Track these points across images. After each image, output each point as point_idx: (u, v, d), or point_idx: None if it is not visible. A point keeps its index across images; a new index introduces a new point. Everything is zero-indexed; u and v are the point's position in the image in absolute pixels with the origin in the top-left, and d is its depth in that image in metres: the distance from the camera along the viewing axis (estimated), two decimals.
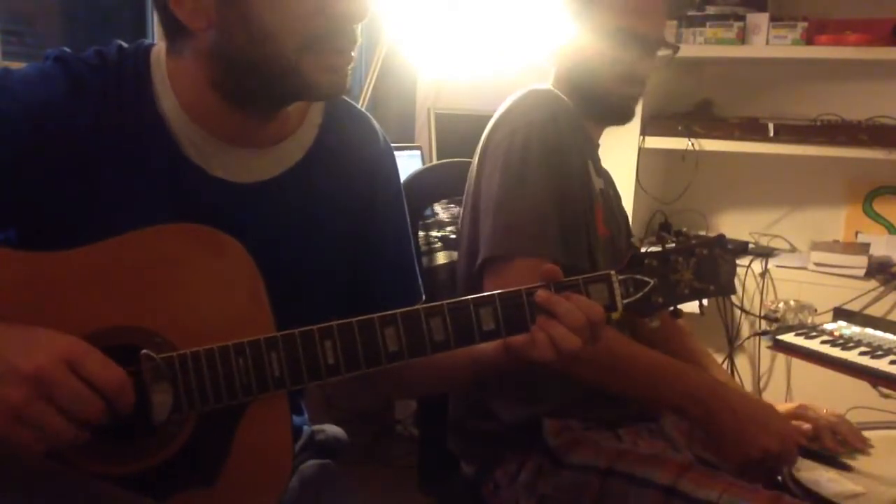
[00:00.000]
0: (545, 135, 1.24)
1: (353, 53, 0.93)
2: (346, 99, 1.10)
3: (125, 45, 0.98)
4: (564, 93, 1.37)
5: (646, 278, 0.97)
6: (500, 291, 0.94)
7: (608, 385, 1.25)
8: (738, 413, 1.15)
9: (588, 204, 1.31)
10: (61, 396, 0.79)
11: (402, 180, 1.17)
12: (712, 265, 1.00)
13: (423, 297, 1.15)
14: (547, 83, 1.41)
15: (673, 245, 1.01)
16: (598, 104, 1.36)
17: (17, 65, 0.99)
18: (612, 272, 0.97)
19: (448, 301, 0.93)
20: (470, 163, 1.60)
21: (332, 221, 1.05)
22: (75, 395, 0.80)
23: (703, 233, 2.84)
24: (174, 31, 0.93)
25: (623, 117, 1.39)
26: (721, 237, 1.02)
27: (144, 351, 0.86)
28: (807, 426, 1.32)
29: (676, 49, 1.39)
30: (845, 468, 1.21)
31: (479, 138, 1.35)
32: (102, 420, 0.82)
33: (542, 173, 1.22)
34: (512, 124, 1.27)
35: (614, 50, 1.31)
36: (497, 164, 1.26)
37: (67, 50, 0.95)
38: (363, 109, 1.14)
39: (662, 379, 1.20)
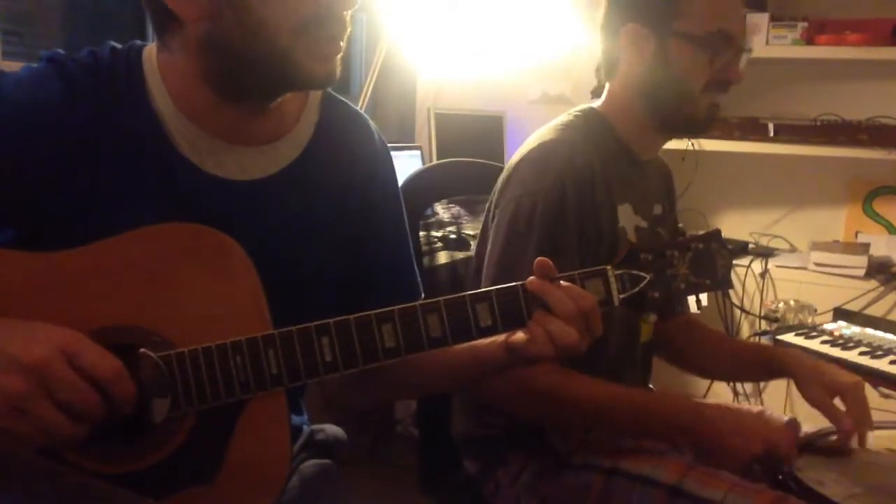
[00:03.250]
0: (549, 205, 1.20)
1: (342, 43, 0.94)
2: (343, 99, 1.10)
3: (118, 45, 0.98)
4: (623, 106, 1.32)
5: (642, 273, 0.97)
6: (496, 287, 0.95)
7: (595, 428, 1.28)
8: (720, 429, 1.16)
9: (609, 257, 1.28)
10: (59, 388, 0.79)
11: (402, 180, 1.17)
12: (709, 260, 1.00)
13: (423, 295, 1.15)
14: (580, 107, 1.36)
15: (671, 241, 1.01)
16: (675, 116, 1.29)
17: (17, 65, 0.99)
18: (608, 267, 0.97)
19: (445, 297, 0.93)
20: (470, 162, 1.61)
21: (328, 221, 1.05)
22: (72, 387, 0.80)
23: (703, 233, 2.83)
24: (164, 25, 0.93)
25: (706, 126, 1.32)
26: (717, 232, 1.02)
27: (143, 349, 0.86)
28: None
29: (750, 50, 1.32)
30: (840, 454, 1.21)
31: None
32: (100, 413, 0.83)
33: (540, 247, 1.20)
34: (522, 186, 1.24)
35: (708, 55, 1.24)
36: (503, 225, 1.24)
37: (61, 51, 0.96)
38: (362, 109, 1.14)
39: (645, 417, 1.21)
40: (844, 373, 1.32)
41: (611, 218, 1.28)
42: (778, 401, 2.34)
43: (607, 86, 1.35)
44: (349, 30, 0.94)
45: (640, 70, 1.29)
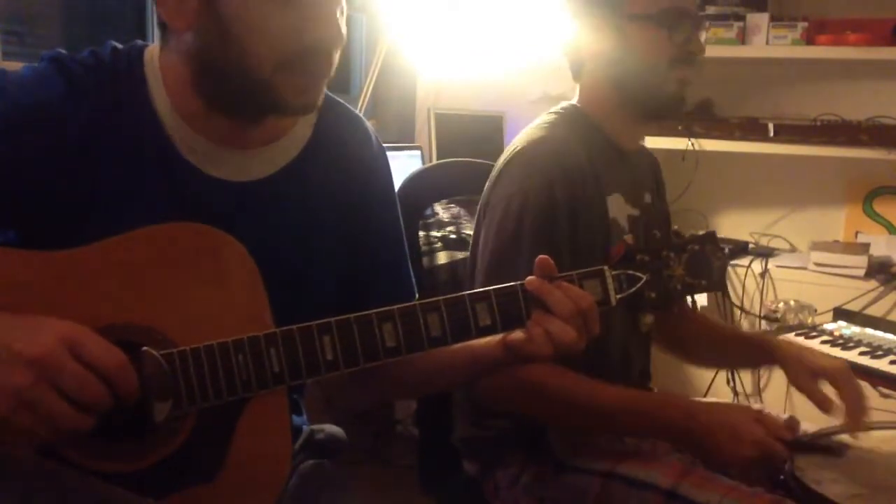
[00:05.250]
0: (539, 207, 1.21)
1: (328, 72, 0.94)
2: (340, 100, 1.11)
3: (119, 45, 0.99)
4: (599, 101, 1.34)
5: (638, 274, 0.98)
6: (495, 287, 0.95)
7: (587, 428, 1.28)
8: (712, 431, 1.14)
9: (601, 250, 1.27)
10: (63, 379, 0.80)
11: (402, 180, 1.17)
12: (704, 261, 1.01)
13: (417, 296, 1.16)
14: (562, 104, 1.38)
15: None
16: (649, 98, 1.30)
17: (17, 65, 0.99)
18: (605, 267, 0.98)
19: (444, 297, 0.94)
20: (470, 162, 1.61)
21: (326, 221, 1.06)
22: (77, 378, 0.80)
23: (702, 233, 2.83)
24: (164, 24, 0.94)
25: (678, 105, 1.32)
26: (712, 234, 1.03)
27: (145, 347, 0.86)
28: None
29: (708, 26, 1.34)
30: (840, 454, 1.21)
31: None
32: (105, 403, 0.83)
33: (532, 249, 1.19)
34: (511, 185, 1.25)
35: (665, 34, 1.26)
36: (493, 224, 1.25)
37: (63, 51, 0.96)
38: (362, 110, 1.14)
39: (637, 418, 1.20)
40: (829, 357, 1.35)
41: (600, 211, 1.29)
42: (778, 400, 2.34)
43: (578, 87, 1.38)
44: (335, 65, 0.93)
45: (604, 62, 1.31)
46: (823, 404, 1.25)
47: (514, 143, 1.32)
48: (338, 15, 0.92)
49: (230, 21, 0.88)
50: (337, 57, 0.94)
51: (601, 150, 1.32)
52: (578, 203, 1.24)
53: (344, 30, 0.93)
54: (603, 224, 1.29)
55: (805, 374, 1.29)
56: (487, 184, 1.32)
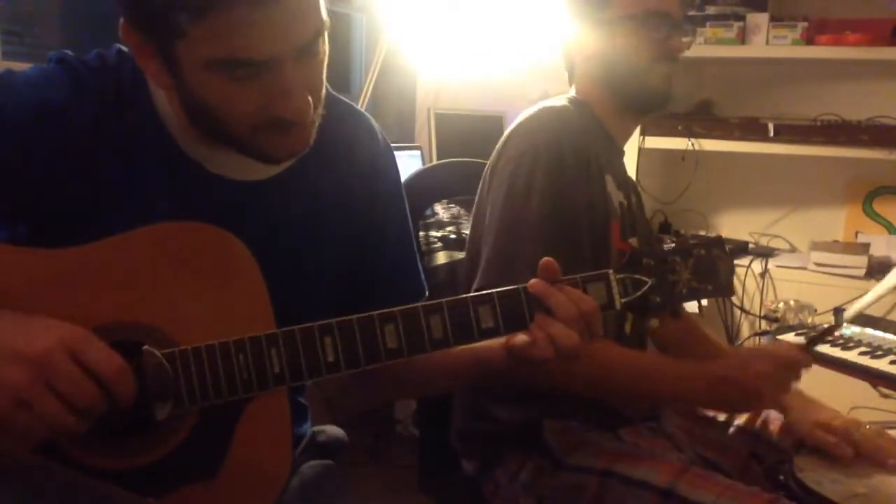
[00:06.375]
0: (549, 161, 1.25)
1: (310, 118, 0.92)
2: (345, 99, 1.11)
3: (124, 48, 0.99)
4: (593, 96, 1.40)
5: (644, 278, 0.98)
6: (498, 290, 0.95)
7: (637, 397, 1.30)
8: (759, 373, 1.15)
9: (603, 223, 1.31)
10: (60, 381, 0.80)
11: (402, 180, 1.17)
12: (710, 265, 1.01)
13: (427, 293, 1.15)
14: (565, 94, 1.42)
15: (672, 245, 1.01)
16: (636, 92, 1.38)
17: (17, 65, 0.99)
18: (610, 271, 0.97)
19: (447, 299, 0.93)
20: (470, 162, 1.61)
21: (332, 220, 1.06)
22: (73, 381, 0.80)
23: (703, 233, 2.83)
24: None
25: (663, 99, 1.39)
26: (719, 238, 1.03)
27: (146, 347, 0.87)
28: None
29: (695, 31, 1.41)
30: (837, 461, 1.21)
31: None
32: (100, 409, 0.83)
33: (544, 202, 1.23)
34: (520, 146, 1.29)
35: (647, 33, 1.34)
36: (503, 187, 1.28)
37: (69, 52, 0.96)
38: (363, 109, 1.14)
39: (688, 381, 1.20)
40: (834, 410, 1.34)
41: (600, 182, 1.34)
42: None
43: (573, 87, 1.45)
44: (314, 108, 0.91)
45: (594, 60, 1.39)
46: (843, 453, 1.24)
47: (519, 119, 1.37)
48: (308, 78, 0.89)
49: (203, 99, 0.88)
50: (309, 105, 0.91)
51: (597, 135, 1.38)
52: (582, 161, 1.29)
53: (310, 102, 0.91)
54: (602, 195, 1.33)
55: (815, 428, 1.29)
56: (493, 154, 1.36)
